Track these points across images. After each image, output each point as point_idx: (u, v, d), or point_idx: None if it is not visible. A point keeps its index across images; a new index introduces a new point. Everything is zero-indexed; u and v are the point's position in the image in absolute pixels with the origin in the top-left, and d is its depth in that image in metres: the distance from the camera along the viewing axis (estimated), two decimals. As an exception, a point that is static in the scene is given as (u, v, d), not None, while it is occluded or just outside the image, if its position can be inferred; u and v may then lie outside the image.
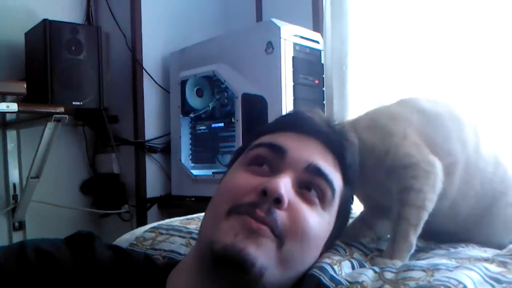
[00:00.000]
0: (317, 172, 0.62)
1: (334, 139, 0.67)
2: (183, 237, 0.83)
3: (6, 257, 0.57)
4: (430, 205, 0.73)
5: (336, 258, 0.67)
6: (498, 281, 0.59)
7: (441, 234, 0.83)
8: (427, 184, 0.73)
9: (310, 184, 0.62)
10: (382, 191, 0.78)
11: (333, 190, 0.63)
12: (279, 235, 0.57)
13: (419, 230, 0.73)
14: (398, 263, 0.68)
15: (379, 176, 0.77)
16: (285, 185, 0.58)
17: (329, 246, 0.69)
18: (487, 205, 0.80)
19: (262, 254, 0.55)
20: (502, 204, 0.80)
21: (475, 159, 0.78)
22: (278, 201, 0.57)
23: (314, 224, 0.60)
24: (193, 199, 2.09)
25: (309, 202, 0.61)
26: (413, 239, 0.72)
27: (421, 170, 0.73)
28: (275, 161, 0.63)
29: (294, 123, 0.69)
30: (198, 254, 0.61)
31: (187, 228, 0.86)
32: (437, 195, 0.74)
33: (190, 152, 2.19)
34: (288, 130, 0.67)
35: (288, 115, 0.74)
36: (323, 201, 0.62)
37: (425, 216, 0.73)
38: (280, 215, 0.57)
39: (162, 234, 0.86)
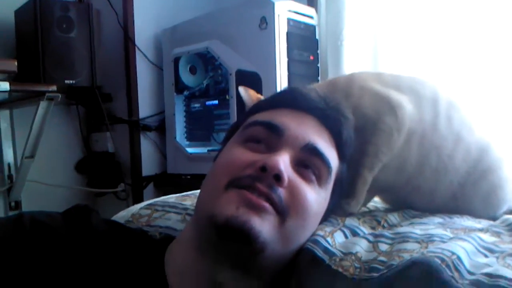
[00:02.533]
0: (314, 151, 0.63)
1: (330, 115, 0.67)
2: (179, 213, 0.83)
3: (2, 225, 0.58)
4: (383, 157, 0.77)
5: (328, 229, 0.67)
6: (491, 251, 0.59)
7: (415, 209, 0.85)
8: (382, 139, 0.77)
9: (307, 163, 0.62)
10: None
11: (329, 168, 0.64)
12: (281, 211, 0.57)
13: (373, 173, 0.78)
14: (355, 202, 0.76)
15: None
16: (284, 162, 0.59)
17: (326, 219, 0.70)
18: (458, 183, 0.81)
19: (265, 228, 0.56)
20: (471, 181, 0.81)
21: (431, 135, 0.79)
22: (277, 177, 0.57)
23: (313, 201, 0.61)
24: (189, 177, 2.10)
25: (306, 179, 0.61)
26: (368, 178, 0.77)
27: (378, 129, 0.77)
28: (272, 140, 0.63)
29: (290, 100, 0.68)
30: (197, 228, 0.61)
31: (183, 205, 0.86)
32: (391, 151, 0.77)
33: (185, 130, 2.18)
34: (284, 107, 0.67)
35: (284, 91, 0.74)
36: (320, 179, 0.63)
37: (378, 164, 0.77)
38: (282, 192, 0.58)
39: (157, 210, 0.86)
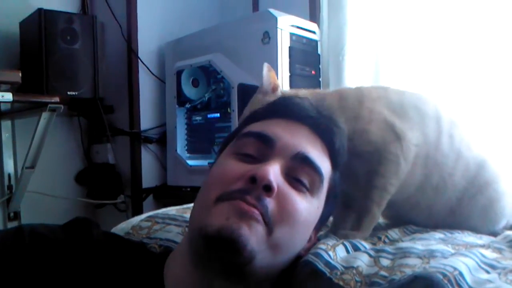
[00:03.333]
0: (305, 160, 0.63)
1: (322, 124, 0.68)
2: (179, 226, 0.83)
3: (2, 238, 0.57)
4: (392, 189, 0.78)
5: (330, 243, 0.67)
6: (493, 267, 0.59)
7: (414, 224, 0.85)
8: (390, 170, 0.78)
9: (298, 172, 0.62)
10: (348, 174, 0.80)
11: (321, 177, 0.64)
12: (268, 222, 0.57)
13: (382, 208, 0.79)
14: (361, 235, 0.75)
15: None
16: (274, 172, 0.59)
17: (319, 229, 0.70)
18: (456, 198, 0.82)
19: (253, 237, 0.56)
20: (468, 196, 0.82)
21: (434, 154, 0.81)
22: (267, 188, 0.58)
23: (303, 210, 0.61)
24: (189, 189, 2.09)
25: (297, 188, 0.61)
26: (377, 215, 0.79)
27: (384, 158, 0.78)
28: (264, 150, 0.63)
29: (282, 110, 0.69)
30: (190, 241, 0.61)
31: (183, 217, 0.86)
32: (399, 180, 0.78)
33: (186, 142, 2.18)
34: (277, 117, 0.68)
35: (276, 101, 0.74)
36: (312, 188, 0.63)
37: (387, 197, 0.78)
38: (270, 203, 0.58)
39: (158, 223, 0.86)
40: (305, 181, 0.62)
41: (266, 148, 0.63)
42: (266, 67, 0.87)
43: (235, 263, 0.56)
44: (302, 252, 0.66)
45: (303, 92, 0.87)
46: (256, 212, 0.56)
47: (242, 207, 0.56)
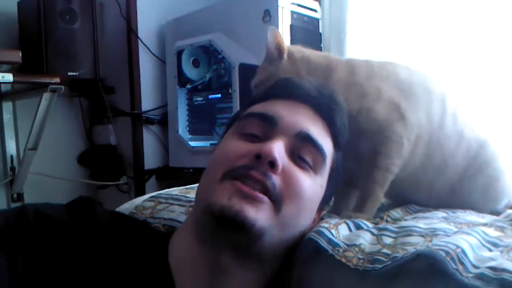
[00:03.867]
0: (308, 138, 0.64)
1: (323, 104, 0.68)
2: (183, 206, 0.83)
3: (6, 218, 0.57)
4: (395, 169, 0.78)
5: (333, 221, 0.68)
6: (495, 245, 0.59)
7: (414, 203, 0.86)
8: (393, 150, 0.78)
9: (301, 150, 0.63)
10: (351, 152, 0.80)
11: (323, 155, 0.65)
12: (276, 199, 0.58)
13: (385, 188, 0.79)
14: (365, 217, 0.74)
15: (349, 130, 0.79)
16: (278, 149, 0.60)
17: (322, 209, 0.71)
18: (457, 178, 0.82)
19: (261, 216, 0.57)
20: (468, 176, 0.82)
21: (437, 135, 0.81)
22: (272, 164, 0.59)
23: (308, 187, 0.62)
24: (191, 170, 2.10)
25: (301, 166, 0.62)
26: (380, 196, 0.78)
27: (388, 137, 0.78)
28: (266, 130, 0.64)
29: (283, 90, 0.70)
30: (197, 218, 0.62)
31: (187, 197, 0.86)
32: (403, 160, 0.78)
33: (187, 123, 2.18)
34: (278, 98, 0.69)
35: (277, 82, 0.75)
36: (315, 166, 0.64)
37: (390, 177, 0.78)
38: (276, 180, 0.59)
39: (161, 203, 0.86)
40: (308, 159, 0.63)
41: (269, 127, 0.64)
42: (270, 32, 0.85)
43: (245, 240, 0.58)
44: (306, 232, 0.67)
45: (315, 55, 0.86)
46: (259, 195, 0.57)
47: (242, 189, 0.57)
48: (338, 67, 0.84)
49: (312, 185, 0.63)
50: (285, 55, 0.84)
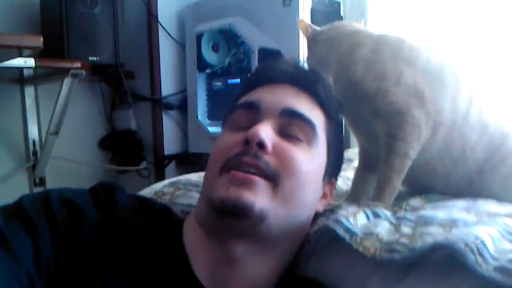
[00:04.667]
0: (292, 114, 0.65)
1: (302, 78, 0.70)
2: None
3: (31, 203, 0.58)
4: (413, 154, 0.77)
5: (351, 209, 0.67)
6: (517, 236, 0.58)
7: (431, 191, 0.84)
8: (411, 135, 0.76)
9: (290, 126, 0.64)
10: (367, 133, 0.80)
11: (312, 126, 0.65)
12: (271, 176, 0.59)
13: (402, 175, 0.77)
14: (382, 206, 0.73)
15: (364, 110, 0.80)
16: (264, 129, 0.61)
17: (330, 179, 0.71)
18: (475, 170, 0.81)
19: (259, 197, 0.58)
20: (489, 167, 0.80)
21: (460, 125, 0.79)
22: (260, 145, 0.60)
23: (303, 160, 0.63)
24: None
25: (292, 142, 0.63)
26: (397, 183, 0.77)
27: (405, 121, 0.76)
28: (252, 116, 0.65)
29: (262, 76, 0.72)
30: (201, 214, 0.64)
31: (205, 183, 0.87)
32: (420, 145, 0.77)
33: (207, 108, 2.18)
34: (259, 85, 0.70)
35: (254, 72, 0.78)
36: (307, 138, 0.64)
37: (408, 163, 0.77)
38: (269, 158, 0.60)
39: (180, 188, 0.87)
40: (299, 133, 0.64)
41: (253, 114, 0.66)
42: (298, 22, 0.95)
43: (248, 225, 0.58)
44: (319, 208, 0.68)
45: (339, 33, 0.89)
46: (253, 177, 0.58)
47: (237, 176, 0.59)
48: (365, 42, 0.83)
49: (307, 157, 0.63)
50: (309, 32, 0.91)
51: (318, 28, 0.94)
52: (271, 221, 0.59)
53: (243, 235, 0.60)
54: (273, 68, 0.72)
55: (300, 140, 0.63)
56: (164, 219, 0.67)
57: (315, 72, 0.73)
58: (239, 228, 0.59)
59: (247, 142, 0.61)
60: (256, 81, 0.72)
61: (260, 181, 0.59)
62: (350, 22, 0.96)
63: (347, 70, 0.82)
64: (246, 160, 0.59)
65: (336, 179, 0.74)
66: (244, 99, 0.69)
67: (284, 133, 0.63)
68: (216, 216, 0.59)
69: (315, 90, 0.69)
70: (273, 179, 0.59)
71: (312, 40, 0.91)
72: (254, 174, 0.59)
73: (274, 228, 0.60)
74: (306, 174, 0.62)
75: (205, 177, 0.67)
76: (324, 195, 0.69)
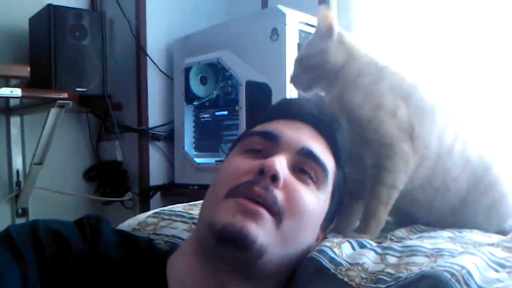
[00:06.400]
0: (310, 154, 0.64)
1: (324, 122, 0.69)
2: (186, 223, 0.83)
3: (18, 232, 0.57)
4: (400, 185, 0.77)
5: (336, 240, 0.67)
6: (502, 266, 0.58)
7: (415, 220, 0.85)
8: (399, 166, 0.77)
9: (303, 166, 0.64)
10: (355, 162, 0.80)
11: (325, 171, 0.65)
12: (277, 213, 0.58)
13: (389, 207, 0.77)
14: (368, 238, 0.72)
15: (354, 135, 0.78)
16: (280, 163, 0.60)
17: (326, 226, 0.71)
18: (458, 200, 0.82)
19: (262, 232, 0.57)
20: (472, 198, 0.82)
21: (445, 159, 0.80)
22: (274, 177, 0.59)
23: (310, 202, 0.62)
24: (196, 187, 2.09)
25: (304, 181, 0.63)
26: (383, 215, 0.77)
27: (394, 153, 0.77)
28: (269, 147, 0.65)
29: (284, 111, 0.71)
30: (198, 236, 0.62)
31: (190, 214, 0.86)
32: (407, 177, 0.77)
33: (194, 140, 2.18)
34: (279, 118, 0.70)
35: (278, 103, 0.76)
36: (317, 181, 0.64)
37: (395, 195, 0.77)
38: (278, 193, 0.59)
39: (164, 219, 0.86)
40: (311, 175, 0.64)
41: (271, 144, 0.65)
42: (321, 9, 0.85)
43: (246, 259, 0.57)
44: (310, 249, 0.66)
45: (358, 50, 0.85)
46: (260, 210, 0.57)
47: (246, 205, 0.57)
48: (370, 72, 0.83)
49: (314, 200, 0.63)
50: (335, 34, 0.84)
51: (344, 32, 0.88)
52: (267, 258, 0.58)
53: (237, 266, 0.59)
54: (296, 106, 0.72)
55: (310, 181, 0.63)
56: (147, 255, 0.65)
57: (337, 120, 0.72)
58: (234, 258, 0.58)
59: (261, 172, 0.59)
60: (278, 113, 0.71)
61: (266, 215, 0.57)
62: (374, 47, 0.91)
63: (347, 93, 0.81)
64: (257, 190, 0.58)
65: (329, 226, 0.73)
66: (262, 127, 0.69)
67: (296, 170, 0.63)
68: (215, 242, 0.57)
69: (334, 138, 0.69)
70: (278, 215, 0.58)
71: (329, 36, 0.84)
72: (261, 206, 0.58)
73: (268, 266, 0.59)
74: (309, 217, 0.62)
75: (207, 198, 0.65)
76: (317, 238, 0.68)
